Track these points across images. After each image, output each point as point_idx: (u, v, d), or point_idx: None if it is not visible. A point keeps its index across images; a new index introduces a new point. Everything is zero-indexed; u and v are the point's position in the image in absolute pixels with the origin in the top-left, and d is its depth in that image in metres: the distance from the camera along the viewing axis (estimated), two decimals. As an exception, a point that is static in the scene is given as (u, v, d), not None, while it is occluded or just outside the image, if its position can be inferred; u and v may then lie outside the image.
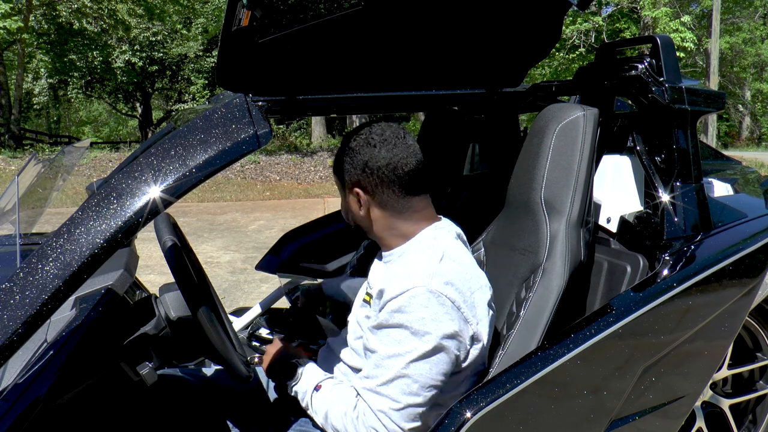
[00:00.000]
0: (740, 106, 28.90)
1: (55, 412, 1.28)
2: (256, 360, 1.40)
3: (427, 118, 2.32)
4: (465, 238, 1.37)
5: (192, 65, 21.60)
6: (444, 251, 1.24)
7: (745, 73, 28.08)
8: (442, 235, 1.29)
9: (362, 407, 1.20)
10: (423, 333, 1.15)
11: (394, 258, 1.31)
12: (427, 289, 1.16)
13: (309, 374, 1.34)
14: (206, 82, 21.59)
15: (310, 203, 10.31)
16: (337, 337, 1.55)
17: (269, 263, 2.53)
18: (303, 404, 1.33)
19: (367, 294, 1.35)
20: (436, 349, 1.16)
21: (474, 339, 1.23)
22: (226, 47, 1.38)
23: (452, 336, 1.17)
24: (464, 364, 1.24)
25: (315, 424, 1.39)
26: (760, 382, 2.13)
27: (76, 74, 19.98)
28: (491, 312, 1.30)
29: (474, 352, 1.24)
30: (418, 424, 1.18)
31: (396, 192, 1.27)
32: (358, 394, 1.22)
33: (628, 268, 1.49)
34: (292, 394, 1.36)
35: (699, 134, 1.66)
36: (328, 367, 1.44)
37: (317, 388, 1.30)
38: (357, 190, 1.29)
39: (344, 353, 1.42)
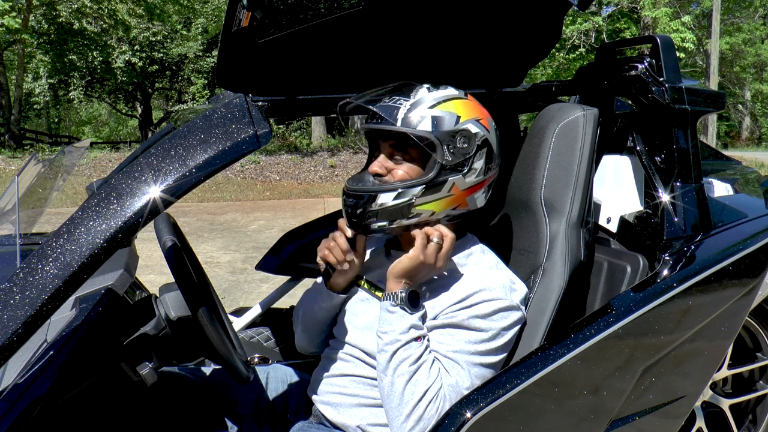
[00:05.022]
0: (740, 106, 28.92)
1: (55, 412, 1.28)
2: (256, 360, 1.40)
3: None
4: None
5: (192, 65, 21.57)
6: (498, 263, 1.37)
7: (745, 73, 28.10)
8: (486, 248, 1.40)
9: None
10: (498, 338, 1.27)
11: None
12: (511, 303, 1.27)
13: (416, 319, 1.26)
14: (206, 82, 21.55)
15: (310, 203, 10.31)
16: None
17: (269, 263, 2.52)
18: (391, 337, 1.23)
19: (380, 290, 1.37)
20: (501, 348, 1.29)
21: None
22: (226, 47, 1.38)
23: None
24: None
25: (314, 424, 1.38)
26: (760, 382, 2.14)
27: (76, 74, 19.96)
28: None
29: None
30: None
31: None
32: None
33: (628, 268, 1.49)
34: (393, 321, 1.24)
35: (699, 134, 1.66)
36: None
37: (419, 338, 1.24)
38: None
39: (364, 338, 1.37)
